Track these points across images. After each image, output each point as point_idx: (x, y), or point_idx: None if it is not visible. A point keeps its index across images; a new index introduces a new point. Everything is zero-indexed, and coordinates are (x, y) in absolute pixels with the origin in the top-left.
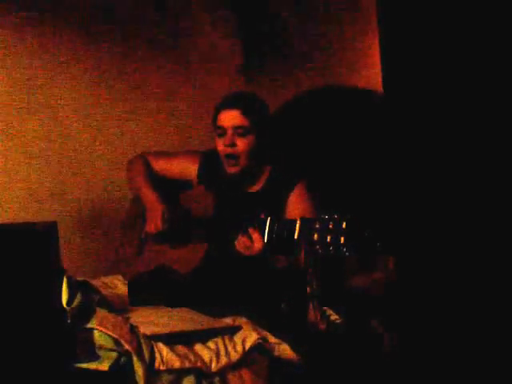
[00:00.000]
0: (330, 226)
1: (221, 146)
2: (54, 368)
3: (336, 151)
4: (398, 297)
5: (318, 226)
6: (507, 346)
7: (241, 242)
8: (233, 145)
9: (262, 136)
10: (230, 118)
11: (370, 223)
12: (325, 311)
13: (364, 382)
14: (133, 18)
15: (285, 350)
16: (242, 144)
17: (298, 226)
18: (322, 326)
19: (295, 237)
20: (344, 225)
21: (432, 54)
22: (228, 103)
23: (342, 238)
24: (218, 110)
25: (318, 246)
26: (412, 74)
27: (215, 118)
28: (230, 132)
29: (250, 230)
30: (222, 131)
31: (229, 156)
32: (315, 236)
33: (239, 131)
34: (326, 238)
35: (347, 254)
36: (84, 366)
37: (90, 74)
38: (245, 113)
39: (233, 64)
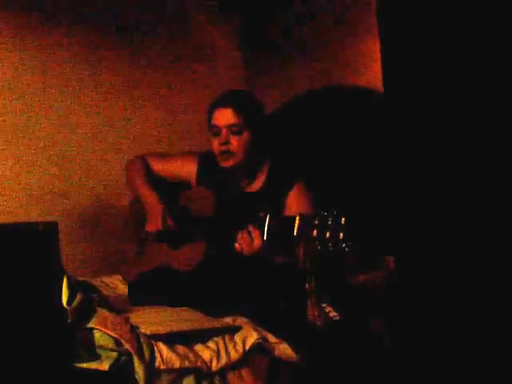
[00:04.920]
0: (329, 222)
1: (216, 144)
2: (54, 368)
3: (335, 151)
4: (398, 296)
5: (317, 222)
6: (507, 346)
7: (241, 239)
8: (227, 143)
9: (257, 133)
10: (224, 116)
11: (370, 219)
12: (323, 308)
13: (364, 382)
14: (132, 18)
15: (285, 349)
16: (236, 142)
17: (297, 222)
18: (319, 323)
19: (294, 233)
20: (343, 220)
21: (432, 53)
22: (221, 102)
23: (341, 234)
24: (211, 110)
25: (317, 242)
26: (412, 74)
27: (209, 118)
28: (224, 131)
29: (250, 227)
30: (216, 130)
31: (223, 153)
32: (314, 232)
33: (233, 129)
34: (325, 234)
35: (346, 249)
36: (84, 365)
37: (88, 75)
38: (237, 111)
39: (233, 64)
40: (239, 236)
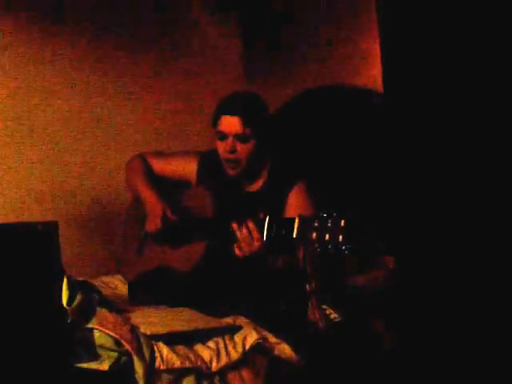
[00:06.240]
0: (329, 224)
1: (222, 150)
2: (54, 368)
3: (336, 151)
4: (398, 296)
5: (316, 224)
6: (507, 346)
7: (241, 240)
8: (234, 151)
9: (263, 140)
10: (231, 124)
11: (369, 221)
12: (324, 310)
13: (364, 382)
14: (132, 19)
15: (285, 349)
16: (242, 150)
17: (296, 224)
18: (321, 325)
19: (294, 235)
20: (343, 223)
21: (432, 53)
22: (229, 109)
23: (341, 236)
24: (218, 114)
25: (316, 245)
26: (412, 74)
27: (216, 122)
28: (230, 138)
29: (250, 225)
30: (222, 135)
31: (230, 161)
32: (314, 234)
33: (240, 138)
34: (325, 237)
35: (346, 252)
36: (84, 365)
37: (91, 75)
38: (246, 120)
39: (233, 64)
40: (239, 236)
